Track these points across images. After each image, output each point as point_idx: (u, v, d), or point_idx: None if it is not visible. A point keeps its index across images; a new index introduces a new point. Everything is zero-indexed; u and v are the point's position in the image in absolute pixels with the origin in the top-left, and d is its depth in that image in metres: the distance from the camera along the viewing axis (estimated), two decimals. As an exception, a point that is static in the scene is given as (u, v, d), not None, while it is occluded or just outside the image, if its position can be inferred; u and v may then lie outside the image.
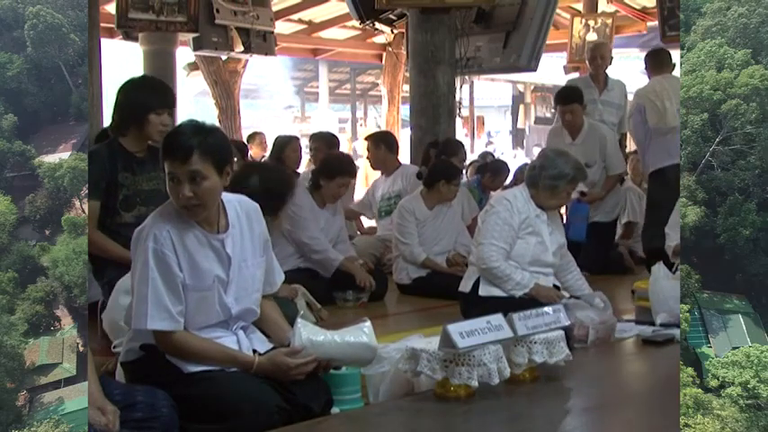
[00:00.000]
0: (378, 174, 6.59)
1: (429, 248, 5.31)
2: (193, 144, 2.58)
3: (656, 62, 6.15)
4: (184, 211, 2.64)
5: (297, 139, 6.52)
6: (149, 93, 3.73)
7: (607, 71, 6.69)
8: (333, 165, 5.05)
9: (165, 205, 2.71)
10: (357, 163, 7.00)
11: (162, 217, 2.67)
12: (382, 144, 6.23)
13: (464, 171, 9.53)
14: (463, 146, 6.62)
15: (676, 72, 6.53)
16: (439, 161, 5.78)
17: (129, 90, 3.76)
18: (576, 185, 4.18)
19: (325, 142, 6.42)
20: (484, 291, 4.05)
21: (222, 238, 2.72)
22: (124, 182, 3.67)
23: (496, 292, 4.03)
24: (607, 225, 6.12)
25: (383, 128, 13.49)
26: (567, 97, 5.98)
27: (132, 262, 2.72)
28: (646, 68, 6.32)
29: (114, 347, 2.93)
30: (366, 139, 6.40)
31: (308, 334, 2.74)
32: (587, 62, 6.86)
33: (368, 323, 2.88)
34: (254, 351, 2.77)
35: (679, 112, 6.10)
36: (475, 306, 3.92)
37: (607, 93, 6.56)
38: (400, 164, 6.40)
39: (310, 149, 6.38)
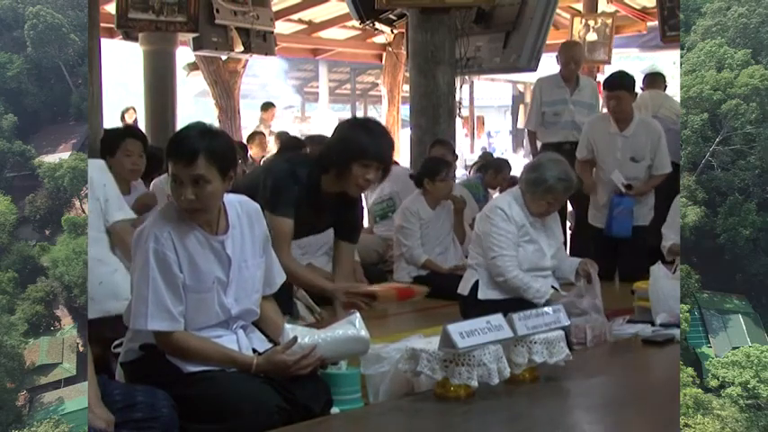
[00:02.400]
0: None
1: (431, 249, 5.31)
2: (199, 148, 2.59)
3: (650, 81, 6.90)
4: (185, 213, 2.66)
5: (295, 139, 6.50)
6: (365, 139, 3.45)
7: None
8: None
9: (167, 206, 2.73)
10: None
11: (163, 217, 2.68)
12: None
13: (467, 171, 9.58)
14: (450, 144, 6.58)
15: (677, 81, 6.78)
16: (426, 159, 5.78)
17: (348, 129, 3.55)
18: (560, 198, 4.03)
19: (319, 145, 6.41)
20: (483, 294, 4.05)
21: (222, 240, 2.72)
22: (300, 213, 3.52)
23: (495, 296, 4.02)
24: (646, 229, 5.67)
25: (383, 128, 13.49)
26: (613, 84, 5.66)
27: (132, 262, 2.72)
28: (642, 86, 6.72)
29: (114, 347, 2.93)
30: None
31: (297, 337, 2.73)
32: (561, 63, 6.63)
33: (357, 314, 2.87)
34: (254, 350, 2.78)
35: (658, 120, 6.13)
36: (474, 308, 3.91)
37: (579, 92, 6.45)
38: None
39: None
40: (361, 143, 3.45)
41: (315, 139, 6.62)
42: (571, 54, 6.62)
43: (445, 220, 5.42)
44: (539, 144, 6.70)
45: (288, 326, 2.80)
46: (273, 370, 2.68)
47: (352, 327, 2.82)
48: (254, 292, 2.82)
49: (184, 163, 2.58)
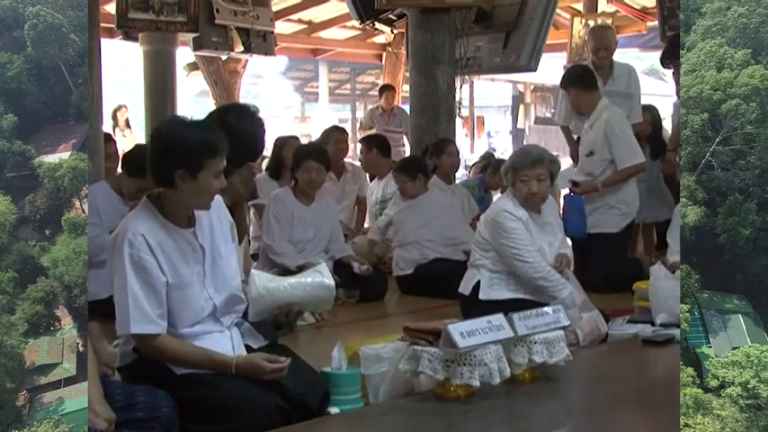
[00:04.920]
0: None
1: (415, 231, 5.32)
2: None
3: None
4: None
5: (295, 139, 6.50)
6: None
7: (613, 57, 5.96)
8: (298, 154, 5.00)
9: (139, 208, 2.72)
10: (356, 163, 7.03)
11: (135, 220, 2.68)
12: (374, 147, 6.19)
13: (467, 171, 9.56)
14: (453, 143, 6.57)
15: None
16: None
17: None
18: (533, 172, 3.94)
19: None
20: (484, 294, 4.05)
21: (194, 230, 2.75)
22: None
23: (496, 296, 4.03)
24: (613, 236, 5.34)
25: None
26: (563, 80, 5.57)
27: (112, 268, 2.71)
28: None
29: (115, 346, 2.93)
30: (360, 141, 6.38)
31: (263, 282, 2.79)
32: (591, 51, 6.03)
33: (324, 264, 3.01)
34: (247, 347, 2.82)
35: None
36: (475, 308, 3.91)
37: (613, 82, 5.83)
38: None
39: None
40: None
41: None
42: (601, 39, 5.98)
43: (422, 214, 5.40)
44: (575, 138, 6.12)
45: (254, 272, 2.84)
46: (251, 372, 2.67)
47: (319, 275, 2.90)
48: (232, 278, 2.83)
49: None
